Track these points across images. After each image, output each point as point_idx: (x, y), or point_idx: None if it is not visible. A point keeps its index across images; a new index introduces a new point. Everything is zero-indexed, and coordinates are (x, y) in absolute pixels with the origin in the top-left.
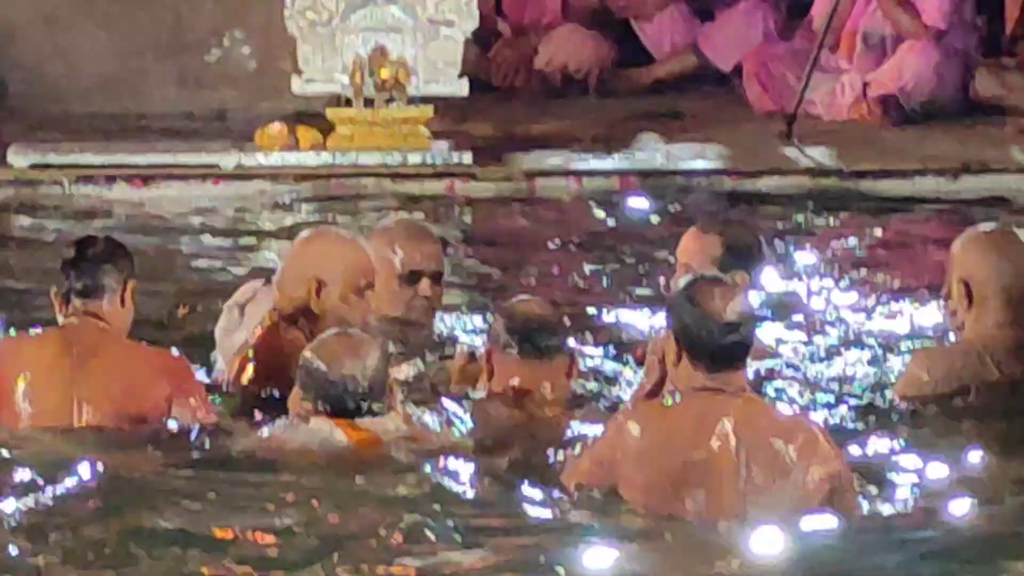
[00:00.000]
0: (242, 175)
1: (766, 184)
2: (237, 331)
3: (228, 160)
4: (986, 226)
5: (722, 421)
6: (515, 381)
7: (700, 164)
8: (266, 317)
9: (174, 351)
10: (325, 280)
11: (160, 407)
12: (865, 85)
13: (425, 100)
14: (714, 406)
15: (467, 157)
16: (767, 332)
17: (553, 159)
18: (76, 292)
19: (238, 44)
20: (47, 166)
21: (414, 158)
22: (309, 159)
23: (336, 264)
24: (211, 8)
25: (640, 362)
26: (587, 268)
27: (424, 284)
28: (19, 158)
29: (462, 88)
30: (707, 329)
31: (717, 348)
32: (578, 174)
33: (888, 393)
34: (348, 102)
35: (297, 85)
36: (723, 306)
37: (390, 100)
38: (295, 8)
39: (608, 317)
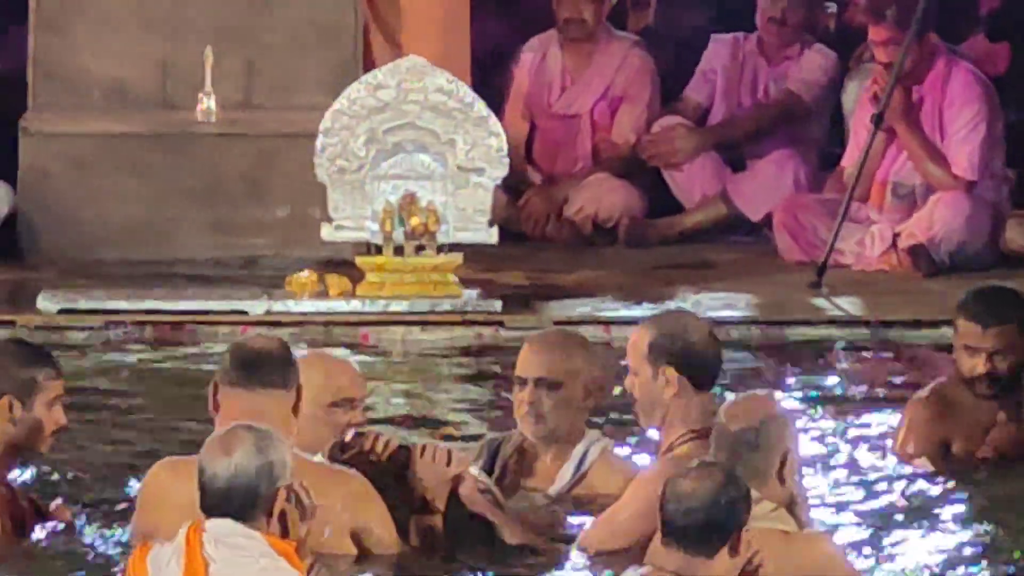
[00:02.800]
0: (271, 322)
1: (794, 334)
2: None
3: (257, 307)
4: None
5: None
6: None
7: (729, 314)
8: None
9: None
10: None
11: None
12: (895, 235)
13: (455, 248)
14: None
15: (496, 305)
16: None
17: (582, 308)
18: None
19: (268, 191)
20: (76, 311)
21: (443, 306)
22: (338, 306)
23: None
24: (242, 155)
25: None
26: None
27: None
28: (49, 303)
29: (492, 236)
30: (670, 509)
31: (680, 530)
32: (607, 323)
33: None
34: (378, 249)
35: (327, 232)
36: (687, 488)
37: (420, 248)
38: (325, 156)
39: None
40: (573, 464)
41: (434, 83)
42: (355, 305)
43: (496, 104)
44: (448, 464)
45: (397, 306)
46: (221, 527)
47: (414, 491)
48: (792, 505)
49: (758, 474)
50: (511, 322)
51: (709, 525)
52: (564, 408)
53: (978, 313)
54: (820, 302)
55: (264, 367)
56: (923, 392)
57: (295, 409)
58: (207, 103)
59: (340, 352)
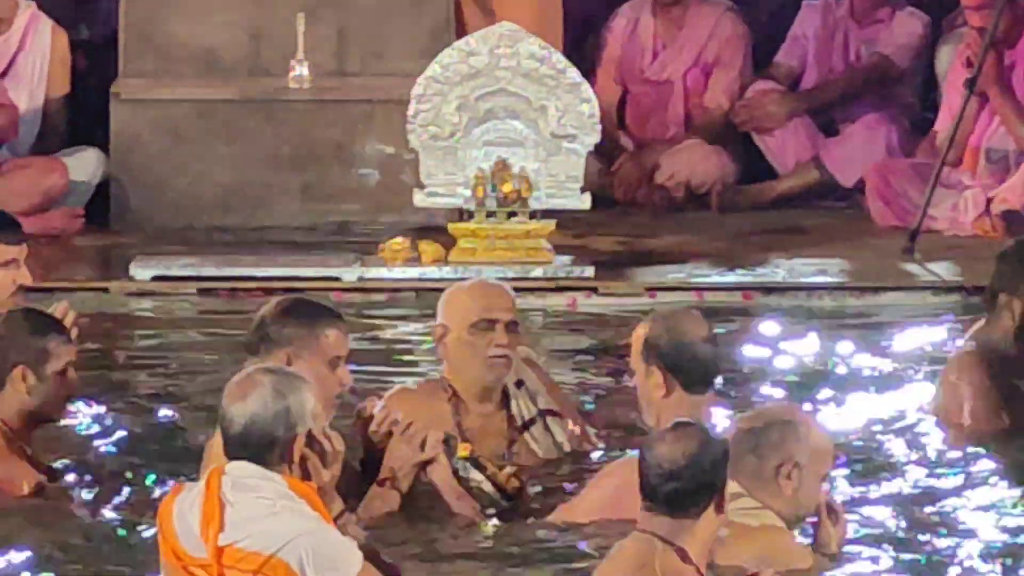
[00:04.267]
0: (364, 288)
1: (888, 300)
2: None
3: (350, 273)
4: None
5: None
6: None
7: (822, 279)
8: None
9: None
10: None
11: None
12: (988, 201)
13: (547, 214)
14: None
15: (588, 271)
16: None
17: (674, 274)
18: None
19: (361, 157)
20: (169, 278)
21: (536, 272)
22: (431, 273)
23: None
24: (334, 121)
25: None
26: None
27: (499, 331)
28: (142, 270)
29: (584, 202)
30: (650, 476)
31: (663, 495)
32: (699, 289)
33: None
34: (470, 215)
35: (419, 199)
36: (665, 452)
37: (512, 214)
38: (417, 122)
39: None
40: None
41: (527, 49)
42: (448, 271)
43: (588, 70)
44: (422, 448)
45: (489, 272)
46: (240, 469)
47: (383, 464)
48: (803, 517)
49: (753, 476)
50: (604, 288)
51: (692, 486)
52: None
53: None
54: (913, 268)
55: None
56: (968, 350)
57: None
58: (299, 70)
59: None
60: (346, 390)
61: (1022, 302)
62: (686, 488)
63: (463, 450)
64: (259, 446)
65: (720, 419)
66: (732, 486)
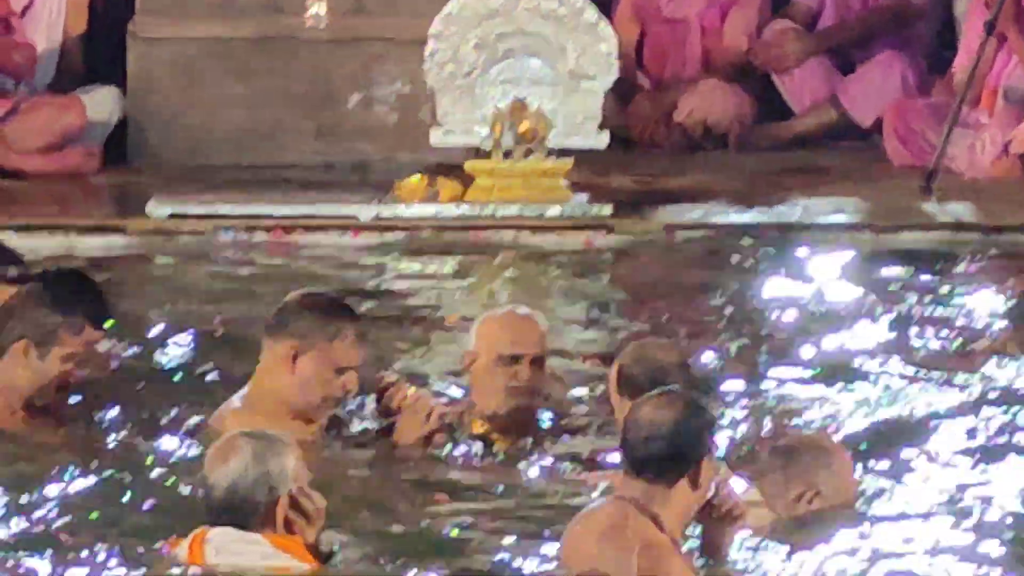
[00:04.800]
0: (381, 227)
1: (905, 239)
2: None
3: (367, 212)
4: None
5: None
6: None
7: (839, 219)
8: None
9: None
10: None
11: None
12: (1007, 141)
13: (564, 153)
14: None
15: (606, 210)
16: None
17: (692, 213)
18: None
19: (377, 96)
20: (186, 216)
21: (553, 211)
22: (448, 211)
23: None
24: (350, 60)
25: None
26: None
27: (523, 366)
28: (158, 209)
29: (601, 141)
30: (631, 437)
31: (640, 459)
32: (716, 227)
33: None
34: (487, 154)
35: (436, 137)
36: (647, 416)
37: (529, 153)
38: (434, 60)
39: None
40: None
41: None
42: (465, 209)
43: (606, 10)
44: (427, 419)
45: (506, 210)
46: (223, 535)
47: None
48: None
49: (775, 492)
50: (620, 227)
51: (669, 454)
52: None
53: None
54: (930, 207)
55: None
56: None
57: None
58: (316, 8)
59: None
60: (349, 397)
61: None
62: (664, 452)
63: (477, 426)
64: (242, 511)
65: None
66: (753, 494)
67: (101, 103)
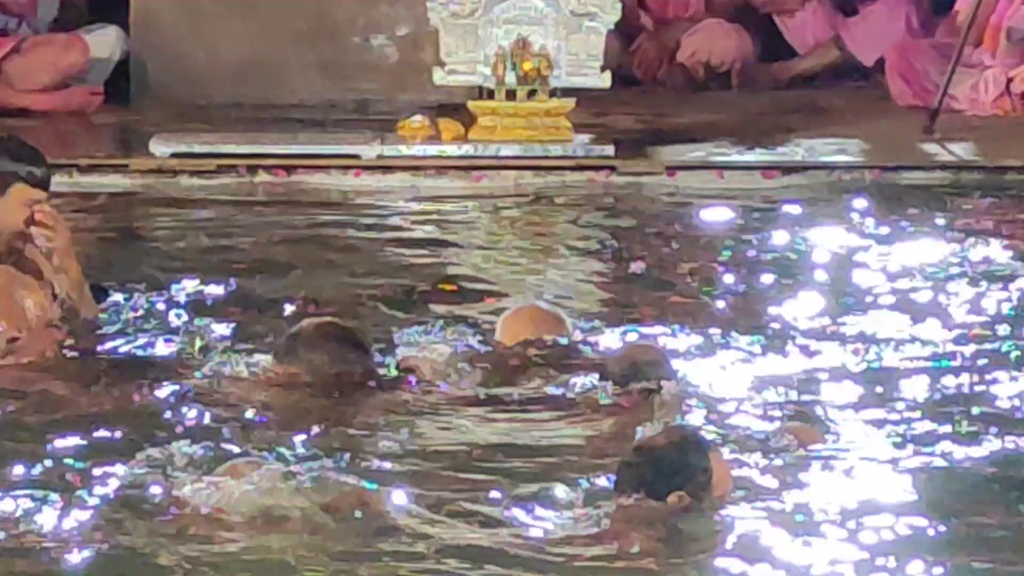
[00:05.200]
0: (383, 166)
1: (908, 178)
2: None
3: (370, 151)
4: None
5: None
6: None
7: (842, 158)
8: None
9: None
10: None
11: None
12: (1009, 80)
13: (567, 92)
14: None
15: (608, 150)
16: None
17: (695, 152)
18: None
19: (380, 34)
20: (190, 155)
21: (555, 150)
22: (450, 150)
23: None
24: None
25: None
26: None
27: None
28: (161, 147)
29: (604, 81)
30: None
31: None
32: (719, 167)
33: None
34: (490, 94)
35: (439, 76)
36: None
37: (532, 92)
38: (438, 0)
39: None
40: None
41: None
42: (467, 149)
43: None
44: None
45: (509, 150)
46: None
47: None
48: None
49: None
50: (623, 167)
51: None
52: None
53: None
54: (933, 147)
55: None
56: None
57: None
58: None
59: None
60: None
61: None
62: None
63: None
64: None
65: None
66: None
67: (104, 41)
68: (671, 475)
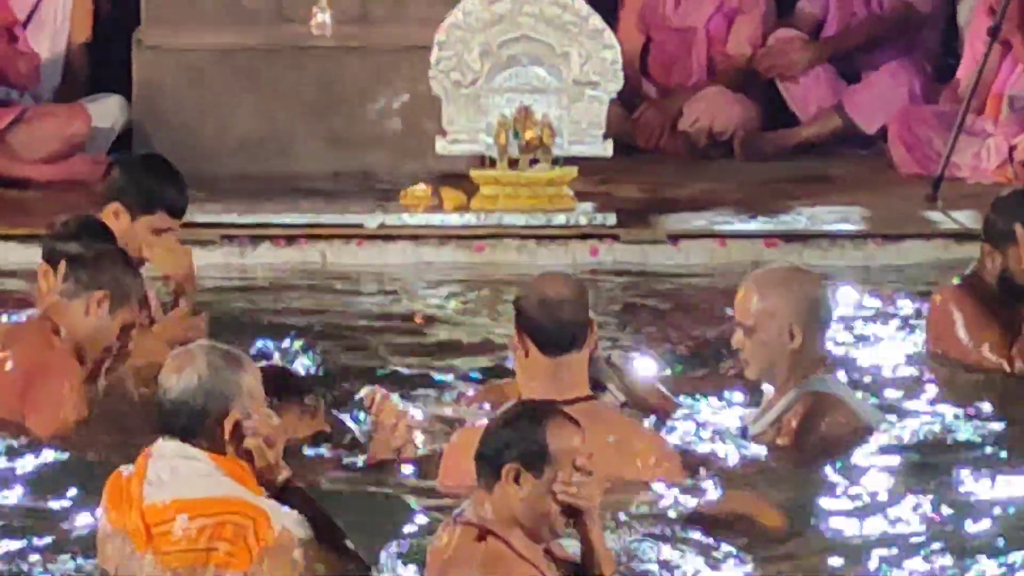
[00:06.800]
0: (386, 235)
1: (910, 247)
2: None
3: (372, 220)
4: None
5: None
6: None
7: (844, 227)
8: None
9: None
10: None
11: None
12: (1011, 148)
13: (569, 161)
14: None
15: (611, 218)
16: None
17: (697, 221)
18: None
19: (384, 105)
20: (192, 225)
21: (558, 219)
22: (453, 220)
23: None
24: (358, 69)
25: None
26: None
27: None
28: None
29: (606, 149)
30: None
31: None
32: (722, 236)
33: None
34: (492, 163)
35: (441, 146)
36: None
37: (534, 161)
38: (440, 68)
39: None
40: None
41: None
42: (469, 219)
43: (611, 17)
44: (395, 431)
45: (511, 219)
46: (164, 448)
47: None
48: None
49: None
50: (626, 235)
51: (574, 322)
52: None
53: None
54: (936, 215)
55: None
56: (950, 289)
57: None
58: (322, 16)
59: None
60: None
61: (1003, 256)
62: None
63: None
64: (188, 420)
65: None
66: None
67: (106, 111)
68: (502, 447)
